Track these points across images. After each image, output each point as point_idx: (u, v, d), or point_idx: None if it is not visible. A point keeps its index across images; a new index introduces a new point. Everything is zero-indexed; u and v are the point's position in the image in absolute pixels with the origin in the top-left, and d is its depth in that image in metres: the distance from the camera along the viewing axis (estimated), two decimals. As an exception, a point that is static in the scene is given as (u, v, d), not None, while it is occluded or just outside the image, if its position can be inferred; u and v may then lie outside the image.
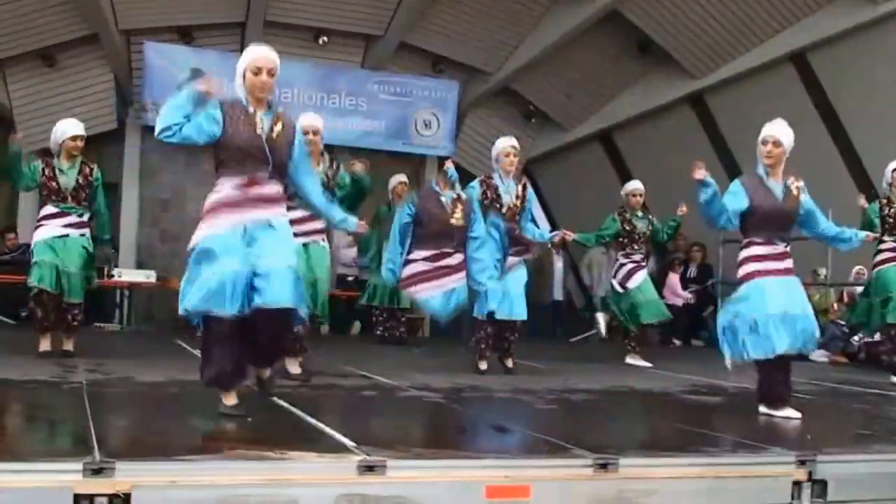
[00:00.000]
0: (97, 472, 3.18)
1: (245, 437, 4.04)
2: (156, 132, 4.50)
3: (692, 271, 13.69)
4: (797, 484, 3.96)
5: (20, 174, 7.20)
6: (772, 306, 5.30)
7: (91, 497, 3.13)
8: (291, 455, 3.58)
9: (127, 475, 3.21)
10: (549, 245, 14.09)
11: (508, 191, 7.37)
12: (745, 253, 5.55)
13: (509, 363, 7.63)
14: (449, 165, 7.50)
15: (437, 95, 14.00)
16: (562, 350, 11.23)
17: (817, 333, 5.51)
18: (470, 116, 14.53)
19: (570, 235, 8.11)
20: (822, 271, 11.43)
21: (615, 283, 8.94)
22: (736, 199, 5.51)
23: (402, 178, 10.93)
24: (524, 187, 7.49)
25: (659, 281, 13.64)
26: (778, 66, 12.17)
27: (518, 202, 7.37)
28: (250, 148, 4.48)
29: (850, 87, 11.54)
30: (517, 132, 14.61)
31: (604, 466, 3.74)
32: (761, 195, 5.50)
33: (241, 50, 14.22)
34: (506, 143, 7.47)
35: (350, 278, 13.19)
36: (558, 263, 14.04)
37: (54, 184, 7.26)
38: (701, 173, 5.46)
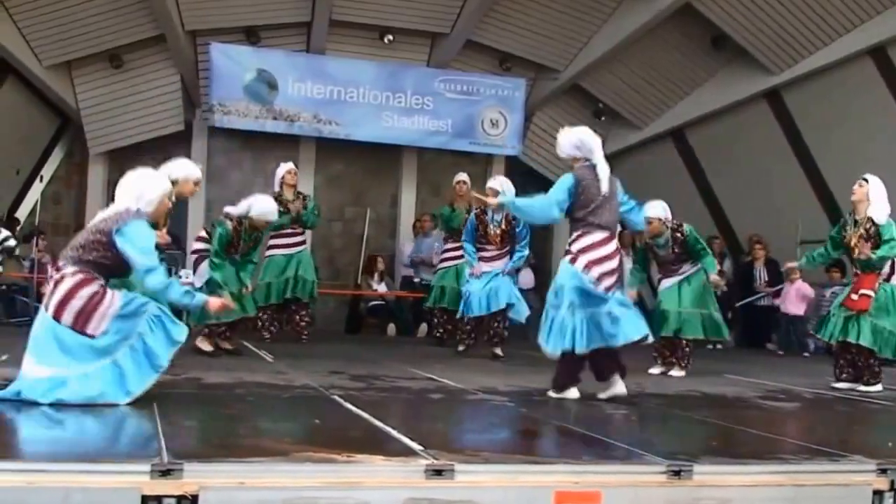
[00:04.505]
0: (165, 473, 3.19)
1: (312, 439, 4.03)
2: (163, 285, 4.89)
3: (762, 272, 13.17)
4: (878, 493, 3.81)
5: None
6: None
7: (159, 498, 3.14)
8: (358, 458, 3.55)
9: (194, 476, 3.21)
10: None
11: (495, 223, 9.00)
12: None
13: (498, 351, 9.05)
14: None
15: (503, 94, 13.90)
16: (633, 353, 11.03)
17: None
18: (538, 115, 14.42)
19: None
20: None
21: None
22: None
23: (462, 177, 10.85)
24: (512, 219, 8.89)
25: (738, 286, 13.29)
26: (857, 61, 11.83)
27: (502, 231, 8.98)
28: None
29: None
30: (586, 130, 14.54)
31: (677, 473, 3.65)
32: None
33: (307, 49, 14.32)
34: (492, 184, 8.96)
35: (416, 280, 13.16)
36: (628, 264, 13.81)
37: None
38: None
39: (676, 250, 8.27)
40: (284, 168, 9.98)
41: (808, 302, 12.33)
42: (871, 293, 7.28)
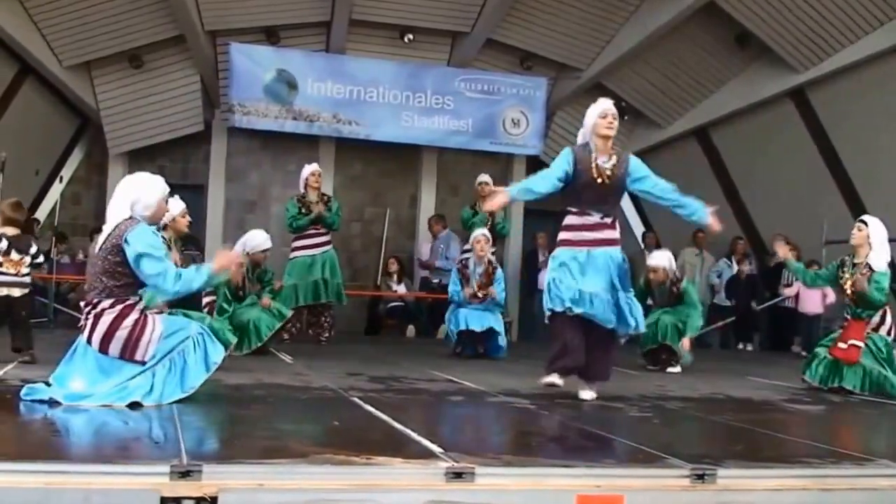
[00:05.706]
0: (184, 474, 3.18)
1: (331, 441, 4.00)
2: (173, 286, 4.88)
3: (791, 275, 13.02)
4: (906, 498, 3.75)
5: None
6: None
7: (178, 500, 3.12)
8: (378, 460, 3.52)
9: (213, 478, 3.19)
10: (643, 246, 13.87)
11: (476, 273, 9.35)
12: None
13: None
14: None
15: (525, 93, 13.81)
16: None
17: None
18: (559, 114, 14.34)
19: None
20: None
21: None
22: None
23: (484, 178, 10.79)
24: (492, 271, 9.38)
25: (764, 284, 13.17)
26: (883, 59, 11.70)
27: (484, 279, 9.33)
28: None
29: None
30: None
31: (701, 477, 3.60)
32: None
33: (327, 49, 14.37)
34: (479, 233, 9.48)
35: (435, 281, 13.12)
36: (651, 265, 13.74)
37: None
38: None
39: (671, 300, 8.85)
40: (308, 170, 9.99)
41: (826, 301, 12.20)
42: (861, 344, 7.13)
